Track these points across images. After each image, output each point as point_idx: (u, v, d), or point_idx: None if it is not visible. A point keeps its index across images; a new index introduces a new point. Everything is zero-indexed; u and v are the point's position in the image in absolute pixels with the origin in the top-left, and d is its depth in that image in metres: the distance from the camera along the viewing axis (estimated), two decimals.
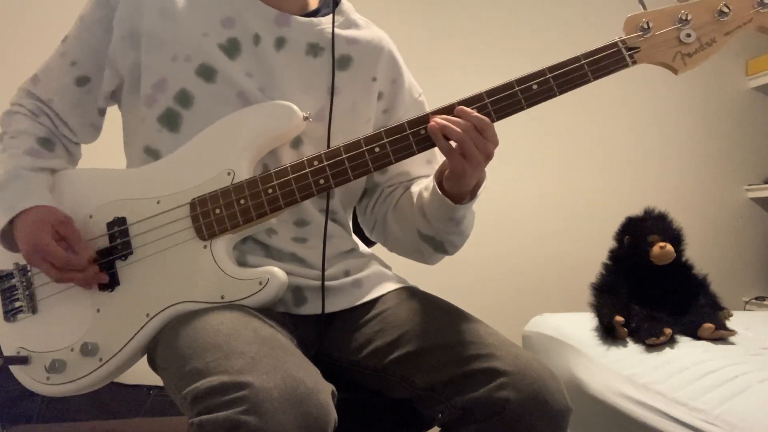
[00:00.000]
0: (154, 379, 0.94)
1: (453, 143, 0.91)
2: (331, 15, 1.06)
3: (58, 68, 1.05)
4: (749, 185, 2.73)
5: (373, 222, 1.15)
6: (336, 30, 1.05)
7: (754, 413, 1.12)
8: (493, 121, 0.92)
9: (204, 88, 0.98)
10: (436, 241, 1.05)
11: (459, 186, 0.95)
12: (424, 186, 1.04)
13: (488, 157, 0.92)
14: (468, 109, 0.92)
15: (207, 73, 0.98)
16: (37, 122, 1.06)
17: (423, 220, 1.03)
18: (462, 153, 0.91)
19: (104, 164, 1.04)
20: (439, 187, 0.97)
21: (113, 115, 1.10)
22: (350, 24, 1.09)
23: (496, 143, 0.92)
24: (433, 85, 1.52)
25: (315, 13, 1.07)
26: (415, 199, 1.05)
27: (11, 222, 0.97)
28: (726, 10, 0.92)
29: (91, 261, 0.95)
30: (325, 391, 0.76)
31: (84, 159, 1.14)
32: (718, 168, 2.72)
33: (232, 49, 0.99)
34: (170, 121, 0.98)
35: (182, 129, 0.98)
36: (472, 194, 0.98)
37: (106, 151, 1.23)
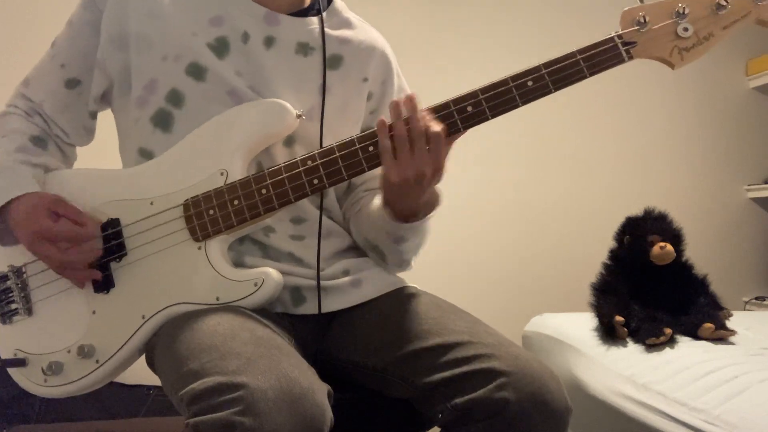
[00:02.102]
0: (154, 379, 0.94)
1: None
2: (322, 14, 1.05)
3: (48, 71, 1.05)
4: (749, 185, 2.73)
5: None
6: (327, 30, 1.04)
7: (754, 413, 1.12)
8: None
9: (194, 87, 0.97)
10: (379, 250, 1.05)
11: (393, 195, 0.94)
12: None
13: (418, 175, 0.88)
14: (426, 114, 0.89)
15: (197, 71, 0.97)
16: (30, 122, 1.06)
17: (370, 227, 1.03)
18: (395, 156, 0.89)
19: (101, 165, 1.03)
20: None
21: (110, 116, 1.09)
22: (342, 23, 1.08)
23: (436, 164, 0.89)
24: (429, 82, 1.52)
25: (306, 12, 1.06)
26: (371, 205, 1.04)
27: (2, 218, 0.96)
28: (724, 3, 0.90)
29: (97, 230, 0.95)
30: (320, 391, 0.76)
31: (81, 159, 1.14)
32: (718, 168, 2.72)
33: (221, 48, 0.99)
34: (162, 121, 0.98)
35: (175, 129, 0.98)
36: (426, 214, 0.97)
37: (103, 152, 1.22)
